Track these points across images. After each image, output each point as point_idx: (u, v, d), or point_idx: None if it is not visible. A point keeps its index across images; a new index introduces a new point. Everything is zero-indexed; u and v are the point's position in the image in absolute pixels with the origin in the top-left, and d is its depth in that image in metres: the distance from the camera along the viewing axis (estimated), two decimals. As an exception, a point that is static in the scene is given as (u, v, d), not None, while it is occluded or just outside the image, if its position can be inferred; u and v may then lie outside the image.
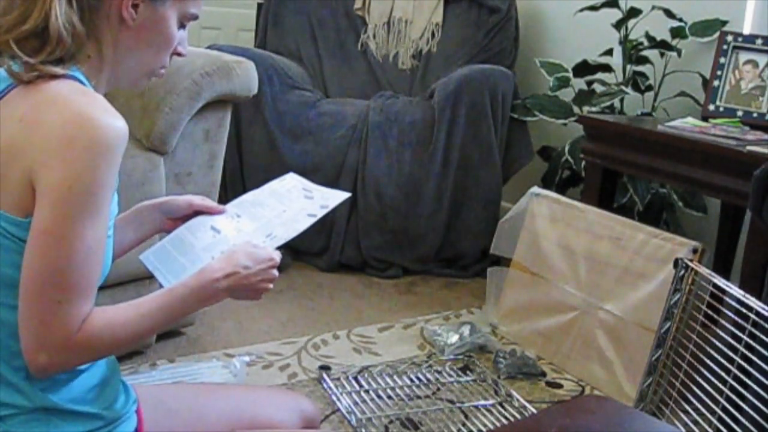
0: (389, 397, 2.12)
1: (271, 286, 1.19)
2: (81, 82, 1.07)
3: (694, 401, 1.79)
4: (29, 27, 1.04)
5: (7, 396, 1.05)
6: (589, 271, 2.33)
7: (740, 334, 1.69)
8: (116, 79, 1.15)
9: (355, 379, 2.20)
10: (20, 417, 1.05)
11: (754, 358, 1.63)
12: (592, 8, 2.92)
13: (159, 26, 1.13)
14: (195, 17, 1.18)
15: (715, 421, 1.72)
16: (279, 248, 1.23)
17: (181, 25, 1.17)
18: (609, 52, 2.97)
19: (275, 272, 1.19)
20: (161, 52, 1.15)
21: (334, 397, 2.08)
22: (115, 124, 1.01)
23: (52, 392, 1.07)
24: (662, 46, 2.82)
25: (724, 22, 2.77)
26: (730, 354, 1.70)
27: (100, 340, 1.03)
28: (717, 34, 2.70)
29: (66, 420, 1.08)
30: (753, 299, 1.67)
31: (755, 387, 1.61)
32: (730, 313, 1.76)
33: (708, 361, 1.75)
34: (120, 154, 1.02)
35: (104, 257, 1.05)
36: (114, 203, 1.13)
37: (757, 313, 1.64)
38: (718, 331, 1.79)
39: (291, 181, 1.42)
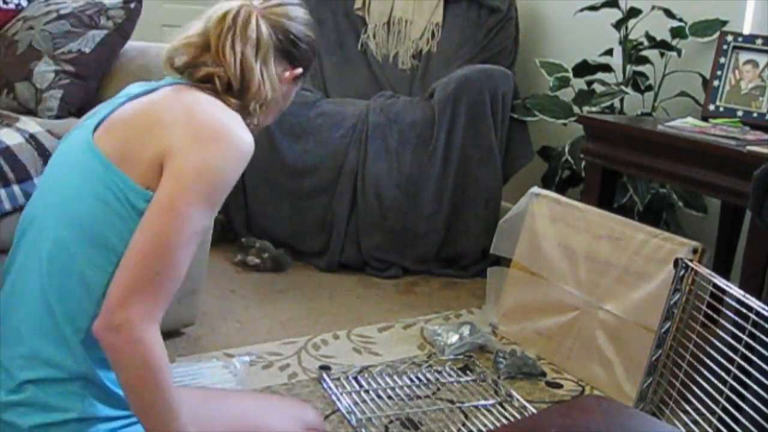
0: (389, 397, 2.12)
1: None
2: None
3: (694, 401, 1.79)
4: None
5: (57, 353, 1.10)
6: (589, 271, 2.33)
7: (740, 334, 1.69)
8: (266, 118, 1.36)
9: (355, 379, 2.20)
10: (58, 384, 1.10)
11: (754, 358, 1.63)
12: (592, 8, 2.92)
13: (292, 95, 1.41)
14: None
15: (715, 421, 1.72)
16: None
17: None
18: (609, 52, 2.97)
19: None
20: (283, 108, 1.42)
21: (334, 397, 2.08)
22: (246, 137, 1.18)
23: (99, 364, 1.12)
24: (662, 46, 2.82)
25: (724, 22, 2.77)
26: (730, 354, 1.70)
27: (157, 353, 1.08)
28: (717, 34, 2.70)
29: (99, 399, 1.13)
30: (753, 299, 1.67)
31: (755, 387, 1.61)
32: (730, 313, 1.76)
33: (708, 361, 1.75)
34: (244, 163, 1.18)
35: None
36: None
37: (757, 313, 1.64)
38: (718, 331, 1.79)
39: None
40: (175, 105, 1.19)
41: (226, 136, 1.15)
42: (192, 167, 1.11)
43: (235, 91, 1.26)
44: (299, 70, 1.37)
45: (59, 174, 1.21)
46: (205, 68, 1.25)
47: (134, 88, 1.29)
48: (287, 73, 1.35)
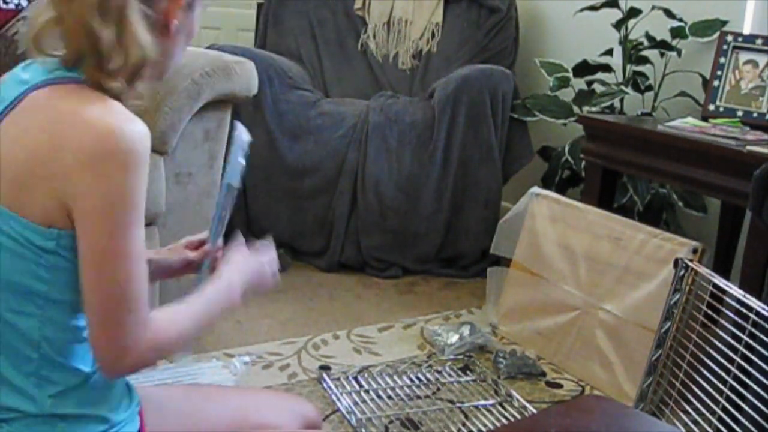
0: (389, 397, 2.12)
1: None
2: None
3: (694, 401, 1.79)
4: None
5: (14, 401, 1.05)
6: (589, 271, 2.33)
7: (740, 334, 1.69)
8: (151, 79, 1.16)
9: (355, 379, 2.20)
10: (25, 420, 1.05)
11: (754, 358, 1.63)
12: (592, 8, 2.92)
13: (192, 27, 1.17)
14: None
15: (715, 421, 1.72)
16: (278, 248, 1.27)
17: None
18: (609, 52, 2.97)
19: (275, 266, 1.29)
20: (186, 47, 1.20)
21: (334, 397, 2.08)
22: (137, 129, 1.01)
23: (62, 399, 1.07)
24: (662, 46, 2.82)
25: (724, 22, 2.77)
26: (730, 354, 1.70)
27: (167, 335, 1.08)
28: (717, 34, 2.70)
29: (71, 424, 1.08)
30: (753, 299, 1.67)
31: (755, 387, 1.61)
32: (730, 313, 1.76)
33: (708, 361, 1.75)
34: (147, 158, 1.02)
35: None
36: None
37: (757, 313, 1.64)
38: (718, 331, 1.79)
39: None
40: (52, 129, 1.01)
41: (118, 146, 0.98)
42: (101, 203, 0.99)
43: (97, 65, 1.04)
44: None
45: None
46: (65, 52, 1.05)
47: (3, 88, 1.09)
48: (165, 3, 1.09)
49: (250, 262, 1.26)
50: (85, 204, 0.99)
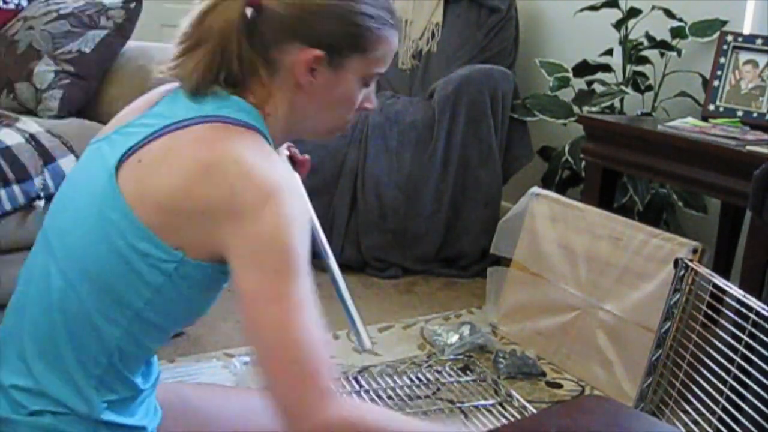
0: (389, 397, 2.12)
1: None
2: (263, 134, 1.07)
3: (694, 401, 1.79)
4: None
5: (70, 399, 1.05)
6: (589, 271, 2.33)
7: (740, 334, 1.69)
8: (295, 134, 1.17)
9: (355, 379, 2.20)
10: (73, 419, 1.06)
11: (754, 358, 1.63)
12: (592, 8, 2.92)
13: (339, 89, 1.11)
14: (380, 75, 1.15)
15: (715, 421, 1.72)
16: None
17: (365, 84, 1.14)
18: (609, 52, 2.97)
19: None
20: (341, 112, 1.15)
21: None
22: (291, 176, 1.12)
23: (113, 408, 1.07)
24: (662, 46, 2.82)
25: (724, 22, 2.76)
26: (730, 354, 1.70)
27: (359, 414, 1.00)
28: (717, 34, 2.70)
29: (111, 429, 1.08)
30: (753, 299, 1.67)
31: (755, 387, 1.61)
32: (730, 313, 1.76)
33: (708, 361, 1.75)
34: (302, 211, 1.05)
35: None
36: None
37: (757, 313, 1.64)
38: (718, 331, 1.79)
39: None
40: (213, 170, 1.00)
41: (276, 194, 0.98)
42: (264, 248, 0.98)
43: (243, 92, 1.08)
44: (317, 52, 1.07)
45: (77, 203, 1.08)
46: (216, 85, 1.07)
47: (162, 107, 1.10)
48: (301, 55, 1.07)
49: None
50: (238, 249, 0.98)
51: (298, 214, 1.02)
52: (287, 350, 0.97)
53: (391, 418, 1.05)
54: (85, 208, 1.05)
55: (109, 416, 1.07)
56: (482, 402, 2.12)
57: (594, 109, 2.77)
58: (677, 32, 2.81)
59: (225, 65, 1.07)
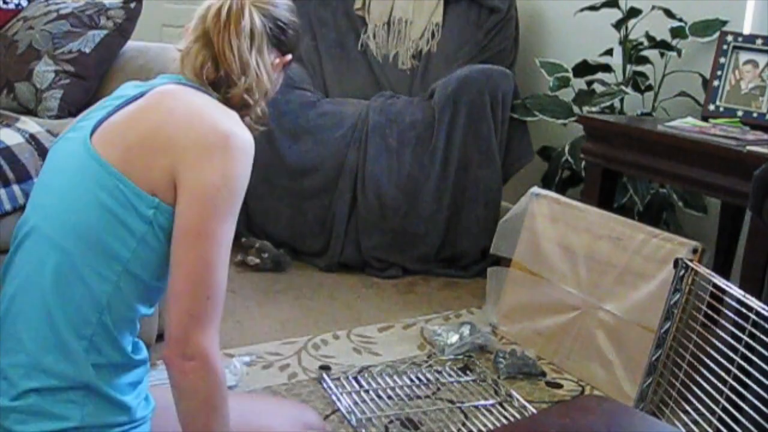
0: (389, 397, 2.12)
1: None
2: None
3: (694, 401, 1.79)
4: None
5: (58, 362, 1.09)
6: (589, 271, 2.33)
7: (740, 334, 1.69)
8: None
9: (355, 379, 2.20)
10: (59, 393, 1.09)
11: (754, 358, 1.63)
12: (592, 8, 2.92)
13: (281, 81, 1.39)
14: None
15: (715, 421, 1.72)
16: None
17: None
18: (609, 52, 2.97)
19: None
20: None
21: (334, 397, 2.08)
22: (248, 137, 1.19)
23: (101, 372, 1.12)
24: (662, 46, 2.82)
25: (724, 22, 2.77)
26: (730, 354, 1.70)
27: (223, 382, 1.14)
28: (717, 34, 2.70)
29: (99, 406, 1.12)
30: (753, 299, 1.67)
31: (755, 387, 1.61)
32: (730, 313, 1.76)
33: (708, 361, 1.75)
34: (251, 161, 1.19)
35: None
36: None
37: (757, 313, 1.64)
38: (718, 331, 1.79)
39: None
40: (177, 113, 1.18)
41: (234, 143, 1.16)
42: (212, 185, 1.12)
43: (235, 87, 1.27)
44: (289, 57, 1.37)
45: (57, 180, 1.19)
46: (209, 70, 1.26)
47: (129, 89, 1.27)
48: (278, 61, 1.34)
49: None
50: (193, 182, 1.11)
51: (248, 165, 1.18)
52: (207, 287, 1.10)
53: (228, 414, 1.18)
54: (66, 179, 1.16)
55: (96, 382, 1.11)
56: (482, 402, 2.12)
57: (594, 109, 2.77)
58: (677, 32, 2.81)
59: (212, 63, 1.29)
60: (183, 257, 1.11)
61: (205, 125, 1.16)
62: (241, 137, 1.18)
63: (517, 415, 2.07)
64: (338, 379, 2.18)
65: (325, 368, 2.25)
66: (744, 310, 1.68)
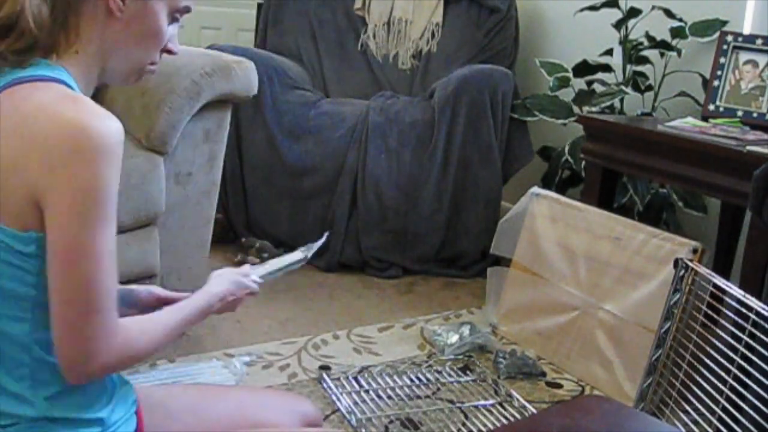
0: (389, 397, 2.12)
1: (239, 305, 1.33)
2: (66, 84, 1.05)
3: (694, 401, 1.79)
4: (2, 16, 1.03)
5: (11, 407, 1.05)
6: (589, 271, 2.33)
7: (740, 334, 1.69)
8: (106, 76, 1.13)
9: (355, 379, 2.20)
10: (24, 425, 1.05)
11: (754, 358, 1.63)
12: (592, 8, 2.92)
13: (148, 19, 1.10)
14: (187, 10, 1.16)
15: (715, 421, 1.72)
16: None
17: (174, 19, 1.15)
18: (609, 52, 2.97)
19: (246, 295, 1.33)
20: (150, 47, 1.13)
21: (334, 397, 2.08)
22: (108, 125, 0.99)
23: (57, 401, 1.07)
24: (662, 46, 2.82)
25: (724, 22, 2.77)
26: (730, 354, 1.70)
27: (138, 344, 1.07)
28: (717, 34, 2.70)
29: (67, 427, 1.08)
30: (753, 299, 1.67)
31: (755, 387, 1.61)
32: (730, 313, 1.76)
33: (708, 361, 1.75)
34: (120, 154, 1.01)
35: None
36: None
37: (757, 313, 1.64)
38: (718, 331, 1.79)
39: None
40: (18, 127, 1.00)
41: (86, 144, 0.97)
42: (73, 199, 0.97)
43: (55, 52, 1.06)
44: None
45: None
46: (15, 43, 1.03)
47: None
48: None
49: (232, 277, 1.31)
50: (54, 200, 0.98)
51: (109, 164, 0.99)
52: (94, 302, 1.00)
53: (165, 329, 1.13)
54: None
55: (57, 411, 1.07)
56: (482, 402, 2.12)
57: (594, 109, 2.77)
58: (677, 32, 2.81)
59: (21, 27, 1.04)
60: (60, 276, 0.99)
61: (48, 131, 0.98)
62: (96, 132, 0.98)
63: (517, 415, 2.07)
64: (338, 379, 2.18)
65: (325, 368, 2.25)
66: (744, 310, 1.68)
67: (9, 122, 1.01)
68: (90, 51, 1.09)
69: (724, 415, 1.69)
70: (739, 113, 2.52)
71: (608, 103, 2.76)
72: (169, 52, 1.16)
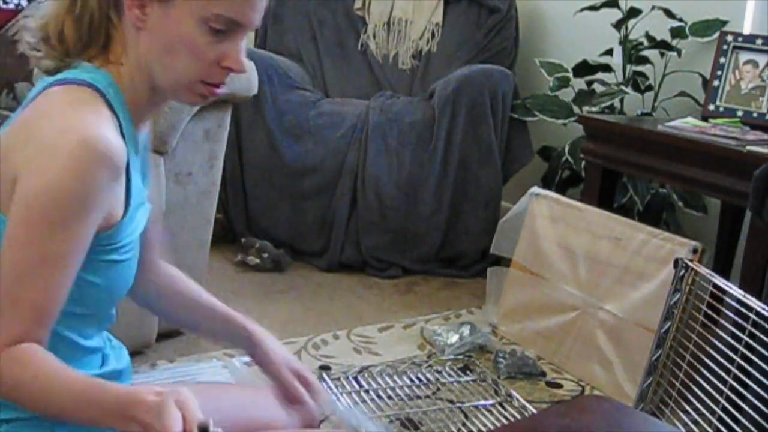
0: (389, 397, 2.12)
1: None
2: (100, 89, 1.05)
3: (694, 401, 1.79)
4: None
5: (7, 412, 1.04)
6: (589, 271, 2.33)
7: (740, 334, 1.69)
8: (159, 91, 1.10)
9: (355, 379, 2.20)
10: (25, 422, 1.05)
11: (754, 358, 1.63)
12: (592, 8, 2.92)
13: (172, 29, 1.04)
14: (230, 21, 1.05)
15: (715, 421, 1.72)
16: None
17: (213, 30, 1.04)
18: (609, 52, 2.97)
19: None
20: (186, 60, 1.06)
21: (334, 397, 2.08)
22: (102, 140, 0.98)
23: None
24: (662, 46, 2.82)
25: (724, 22, 2.76)
26: (730, 354, 1.70)
27: (19, 371, 0.96)
28: (717, 34, 2.70)
29: (68, 426, 1.08)
30: (753, 299, 1.67)
31: (755, 387, 1.61)
32: (730, 313, 1.76)
33: (708, 361, 1.75)
34: (102, 175, 0.98)
35: (68, 280, 1.00)
36: (140, 216, 1.14)
37: (757, 313, 1.64)
38: (718, 331, 1.79)
39: None
40: (26, 121, 1.05)
41: (65, 143, 0.96)
42: (29, 190, 0.97)
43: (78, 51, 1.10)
44: None
45: None
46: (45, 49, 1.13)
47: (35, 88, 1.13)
48: None
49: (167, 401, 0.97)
50: (20, 187, 0.98)
51: (78, 171, 0.97)
52: (13, 295, 0.97)
53: (59, 392, 0.97)
54: None
55: None
56: (482, 402, 2.12)
57: (594, 109, 2.77)
58: (677, 32, 2.81)
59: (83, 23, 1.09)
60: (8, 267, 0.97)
61: (45, 130, 1.00)
62: (82, 138, 0.97)
63: (517, 415, 2.07)
64: (338, 379, 2.18)
65: (325, 368, 2.25)
66: (744, 310, 1.68)
67: (24, 117, 1.05)
68: (131, 62, 1.08)
69: (724, 415, 1.69)
70: (739, 113, 2.52)
71: (608, 103, 2.76)
72: (230, 69, 1.08)
